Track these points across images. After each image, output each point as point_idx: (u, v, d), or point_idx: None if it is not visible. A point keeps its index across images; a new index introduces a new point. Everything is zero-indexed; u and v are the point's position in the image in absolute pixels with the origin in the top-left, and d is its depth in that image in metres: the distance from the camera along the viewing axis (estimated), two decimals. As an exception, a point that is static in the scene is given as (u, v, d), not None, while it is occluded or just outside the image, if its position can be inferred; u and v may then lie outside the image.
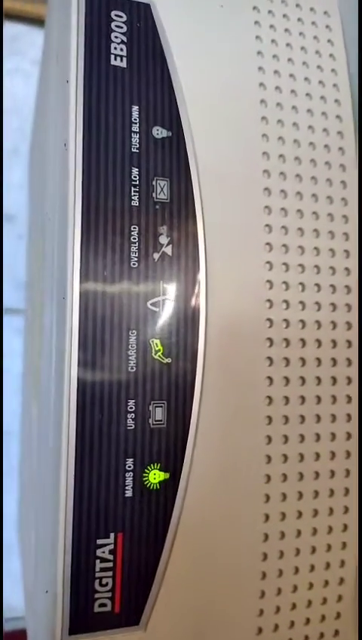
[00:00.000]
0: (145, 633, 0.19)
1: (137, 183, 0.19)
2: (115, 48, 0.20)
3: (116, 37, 0.20)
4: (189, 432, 0.19)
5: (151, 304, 0.19)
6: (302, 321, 0.21)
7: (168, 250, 0.19)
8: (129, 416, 0.19)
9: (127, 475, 0.19)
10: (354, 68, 0.24)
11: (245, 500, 0.20)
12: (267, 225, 0.21)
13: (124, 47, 0.20)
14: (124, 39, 0.20)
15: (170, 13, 0.21)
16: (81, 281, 0.18)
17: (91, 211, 0.19)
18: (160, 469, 0.19)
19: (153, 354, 0.19)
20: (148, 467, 0.19)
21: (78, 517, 0.18)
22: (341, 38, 0.24)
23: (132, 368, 0.19)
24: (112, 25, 0.20)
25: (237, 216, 0.21)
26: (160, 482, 0.19)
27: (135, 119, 0.20)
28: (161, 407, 0.19)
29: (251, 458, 0.20)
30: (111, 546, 0.18)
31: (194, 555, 0.19)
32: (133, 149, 0.19)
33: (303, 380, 0.21)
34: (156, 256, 0.19)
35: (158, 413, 0.19)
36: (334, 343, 0.21)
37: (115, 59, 0.20)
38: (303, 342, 0.21)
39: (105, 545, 0.18)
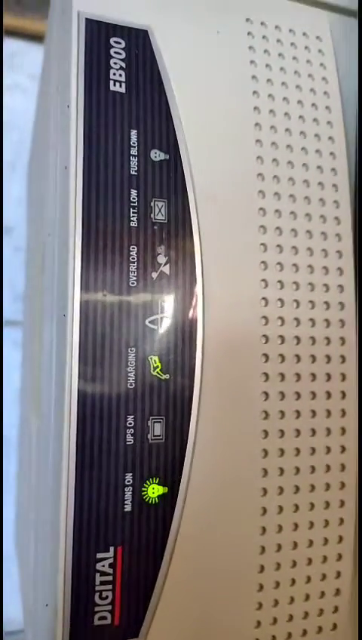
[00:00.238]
0: (145, 646, 0.19)
1: (136, 204, 0.20)
2: (114, 74, 0.20)
3: (115, 63, 0.21)
4: (187, 446, 0.20)
5: (149, 322, 0.20)
6: (296, 337, 0.22)
7: (166, 269, 0.20)
8: (128, 431, 0.19)
9: (126, 489, 0.19)
10: (347, 91, 0.24)
11: (242, 513, 0.20)
12: (262, 244, 0.22)
13: (122, 72, 0.21)
14: (123, 65, 0.21)
15: (167, 39, 0.22)
16: (81, 299, 0.19)
17: (91, 231, 0.19)
18: (158, 484, 0.19)
19: (152, 370, 0.19)
20: (147, 482, 0.19)
21: (78, 531, 0.18)
22: (333, 61, 0.24)
23: (131, 384, 0.19)
24: (111, 51, 0.21)
25: (233, 235, 0.21)
26: (158, 496, 0.19)
27: (134, 143, 0.20)
28: (160, 422, 0.19)
29: (248, 472, 0.21)
30: (111, 560, 0.19)
31: (193, 568, 0.20)
32: (131, 172, 0.20)
33: (298, 394, 0.21)
34: (154, 275, 0.20)
35: (157, 429, 0.19)
36: (328, 358, 0.22)
37: (114, 84, 0.20)
38: (298, 357, 0.22)
39: (104, 559, 0.19)
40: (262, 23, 0.24)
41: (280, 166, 0.22)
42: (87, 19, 0.21)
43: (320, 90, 0.24)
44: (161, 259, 0.20)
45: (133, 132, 0.20)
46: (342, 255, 0.23)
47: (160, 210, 0.20)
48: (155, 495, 0.19)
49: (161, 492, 0.19)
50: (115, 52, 0.21)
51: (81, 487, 0.18)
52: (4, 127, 0.56)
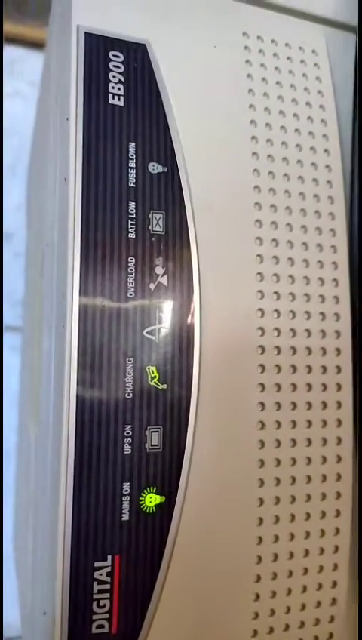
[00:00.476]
0: (142, 654, 0.19)
1: (134, 216, 0.20)
2: (113, 87, 0.21)
3: (114, 76, 0.21)
4: (184, 456, 0.20)
5: (147, 332, 0.20)
6: (293, 347, 0.22)
7: (164, 280, 0.20)
8: (126, 440, 0.19)
9: (123, 498, 0.19)
10: (342, 104, 0.25)
11: (239, 523, 0.21)
12: (258, 255, 0.22)
13: (121, 86, 0.21)
14: (122, 79, 0.21)
15: (165, 53, 0.22)
16: (80, 310, 0.19)
17: (90, 243, 0.19)
18: (156, 493, 0.20)
19: (149, 380, 0.20)
20: (145, 491, 0.19)
21: (76, 540, 0.19)
22: (329, 75, 0.25)
23: (129, 394, 0.19)
24: (110, 65, 0.21)
25: (230, 247, 0.21)
26: (156, 506, 0.19)
27: (132, 155, 0.20)
28: (157, 432, 0.20)
29: (244, 481, 0.21)
30: (109, 569, 0.19)
31: (190, 577, 0.20)
32: (130, 184, 0.20)
33: (294, 405, 0.22)
34: (152, 286, 0.20)
35: (154, 438, 0.20)
36: (324, 368, 0.22)
37: (113, 98, 0.21)
38: (294, 368, 0.22)
39: (102, 567, 0.19)
40: (258, 37, 0.24)
41: (276, 178, 0.23)
42: (86, 33, 0.21)
43: (316, 103, 0.24)
44: (159, 270, 0.20)
45: (132, 145, 0.21)
46: (338, 266, 0.23)
47: (158, 222, 0.20)
48: (153, 504, 0.19)
49: (158, 501, 0.19)
50: (114, 65, 0.21)
51: (79, 495, 0.19)
52: (4, 133, 0.56)
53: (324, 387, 0.22)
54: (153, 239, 0.20)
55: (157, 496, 0.20)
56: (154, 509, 0.19)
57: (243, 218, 0.22)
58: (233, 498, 0.21)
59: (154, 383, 0.20)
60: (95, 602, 0.19)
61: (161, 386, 0.20)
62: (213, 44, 0.23)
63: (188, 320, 0.20)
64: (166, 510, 0.20)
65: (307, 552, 0.21)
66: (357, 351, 0.23)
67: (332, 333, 0.22)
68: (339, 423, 0.22)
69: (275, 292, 0.22)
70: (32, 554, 0.26)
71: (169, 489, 0.20)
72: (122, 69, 0.21)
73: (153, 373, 0.20)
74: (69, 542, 0.18)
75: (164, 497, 0.20)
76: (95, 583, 0.19)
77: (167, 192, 0.21)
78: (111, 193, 0.20)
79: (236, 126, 0.22)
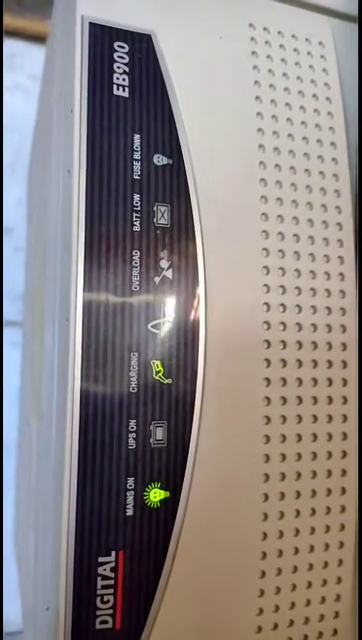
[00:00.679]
0: (146, 650, 0.19)
1: (139, 208, 0.20)
2: (118, 78, 0.20)
3: (118, 67, 0.21)
4: (189, 451, 0.20)
5: (152, 326, 0.20)
6: (298, 342, 0.22)
7: (169, 273, 0.20)
8: (130, 435, 0.19)
9: (128, 493, 0.19)
10: (349, 96, 0.24)
11: (243, 519, 0.20)
12: (264, 249, 0.22)
13: (126, 77, 0.21)
14: (126, 69, 0.21)
15: (171, 44, 0.22)
16: (84, 304, 0.19)
17: (94, 236, 0.19)
18: (160, 488, 0.19)
19: (154, 375, 0.20)
20: (149, 486, 0.19)
21: (80, 535, 0.18)
22: (335, 67, 0.24)
23: (133, 389, 0.19)
24: (115, 55, 0.21)
25: (236, 240, 0.21)
26: (160, 501, 0.19)
27: (137, 147, 0.20)
28: (162, 426, 0.19)
29: (249, 476, 0.21)
30: (113, 564, 0.19)
31: (194, 573, 0.20)
32: (135, 176, 0.20)
33: (300, 399, 0.21)
34: (157, 279, 0.20)
35: (159, 433, 0.19)
36: (330, 363, 0.22)
37: (118, 89, 0.20)
38: (300, 362, 0.22)
39: (106, 563, 0.19)
40: (264, 29, 0.24)
41: (282, 171, 0.22)
42: (90, 23, 0.21)
43: (323, 95, 0.24)
44: (164, 263, 0.20)
45: (137, 136, 0.20)
46: (344, 261, 0.23)
47: (163, 215, 0.20)
48: (157, 499, 0.19)
49: (162, 496, 0.19)
50: (119, 56, 0.21)
51: (83, 490, 0.18)
52: (4, 127, 0.56)
53: (330, 382, 0.22)
54: (158, 232, 0.20)
55: (162, 492, 0.19)
56: (159, 504, 0.19)
57: (248, 211, 0.22)
58: (238, 493, 0.20)
59: (159, 377, 0.20)
60: (99, 598, 0.19)
61: (166, 381, 0.20)
62: (219, 35, 0.23)
63: (193, 314, 0.20)
64: (170, 505, 0.19)
65: (312, 548, 0.21)
66: (363, 346, 0.23)
67: (338, 328, 0.22)
68: (345, 418, 0.22)
69: (281, 286, 0.22)
70: (33, 549, 0.25)
71: (173, 484, 0.19)
72: (127, 60, 0.21)
73: (158, 367, 0.20)
74: (73, 537, 0.18)
75: (168, 492, 0.19)
76: (99, 579, 0.19)
77: (172, 184, 0.20)
78: (116, 185, 0.20)
79: (242, 118, 0.22)
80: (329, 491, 0.22)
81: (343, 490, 0.22)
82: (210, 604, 0.20)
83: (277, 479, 0.21)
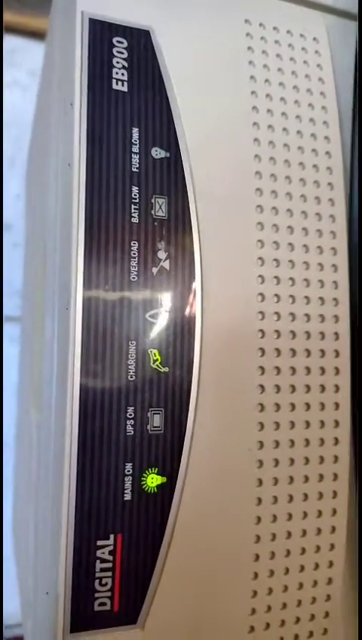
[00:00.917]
0: (143, 631, 0.20)
1: (137, 200, 0.20)
2: (117, 73, 0.21)
3: (118, 62, 0.21)
4: (185, 437, 0.20)
5: (149, 316, 0.20)
6: (292, 331, 0.22)
7: (166, 264, 0.21)
8: (128, 422, 0.20)
9: (126, 479, 0.19)
10: (342, 91, 0.25)
11: (238, 503, 0.21)
12: (259, 240, 0.22)
13: (125, 72, 0.21)
14: (125, 64, 0.21)
15: (168, 39, 0.22)
16: (84, 294, 0.19)
17: (94, 227, 0.20)
18: (157, 474, 0.20)
19: (151, 363, 0.20)
20: (146, 471, 0.20)
21: (80, 519, 0.19)
22: (329, 62, 0.25)
23: (131, 377, 0.20)
24: (114, 50, 0.21)
25: (231, 232, 0.22)
26: (157, 486, 0.20)
27: (135, 140, 0.21)
28: (159, 414, 0.20)
29: (244, 462, 0.21)
30: (111, 547, 0.19)
31: (190, 556, 0.20)
32: (133, 169, 0.20)
33: (293, 387, 0.22)
34: (155, 270, 0.20)
35: (156, 420, 0.20)
36: (322, 352, 0.23)
37: (117, 83, 0.21)
38: (293, 351, 0.22)
39: (105, 546, 0.19)
40: (260, 24, 0.24)
41: (277, 164, 0.23)
42: (90, 19, 0.21)
43: (317, 90, 0.24)
44: (161, 254, 0.20)
45: (135, 130, 0.21)
46: (337, 252, 0.23)
47: (160, 207, 0.21)
48: (154, 485, 0.20)
49: (159, 482, 0.20)
50: (118, 51, 0.21)
51: (82, 476, 0.19)
52: (3, 123, 0.56)
53: (323, 371, 0.23)
54: (156, 224, 0.21)
55: (159, 477, 0.20)
56: (156, 490, 0.20)
57: (244, 203, 0.22)
58: (232, 479, 0.21)
59: (157, 365, 0.20)
60: (97, 580, 0.19)
61: (163, 369, 0.20)
62: (216, 31, 0.23)
63: (190, 304, 0.21)
64: (167, 490, 0.20)
65: (304, 532, 0.22)
66: (357, 336, 0.23)
67: (330, 318, 0.23)
68: (337, 405, 0.23)
69: (275, 277, 0.22)
70: (33, 537, 0.26)
71: (170, 470, 0.20)
72: (126, 55, 0.21)
73: (155, 356, 0.20)
74: (72, 521, 0.19)
75: (165, 478, 0.20)
76: (97, 562, 0.19)
77: (170, 177, 0.21)
78: (115, 178, 0.20)
79: (238, 112, 0.23)
80: (321, 477, 0.22)
81: (335, 476, 0.22)
82: (205, 586, 0.20)
83: (270, 465, 0.21)
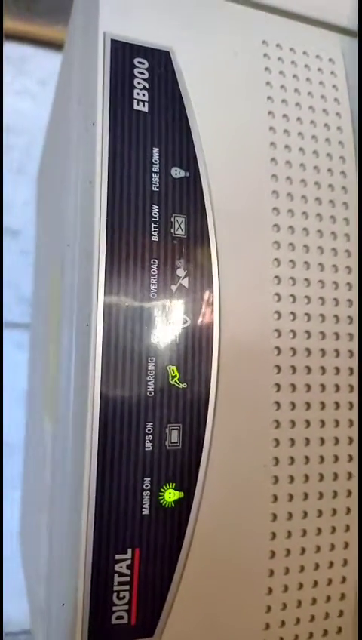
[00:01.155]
0: (159, 645, 0.20)
1: (157, 219, 0.21)
2: (138, 94, 0.21)
3: (139, 83, 0.21)
4: (203, 453, 0.20)
5: (168, 333, 0.20)
6: (307, 349, 0.23)
7: (185, 282, 0.21)
8: (147, 438, 0.20)
9: (144, 493, 0.20)
10: (356, 111, 0.25)
11: (253, 519, 0.21)
12: (276, 259, 0.23)
13: (146, 92, 0.21)
14: (146, 85, 0.22)
15: (188, 60, 0.22)
16: (104, 310, 0.20)
17: (114, 245, 0.20)
18: (175, 489, 0.20)
19: (170, 379, 0.20)
20: (164, 486, 0.20)
21: (98, 533, 0.19)
22: (345, 83, 0.25)
23: (150, 393, 0.20)
24: (135, 71, 0.22)
25: (248, 251, 0.22)
26: (175, 501, 0.20)
27: (155, 160, 0.21)
28: (177, 429, 0.20)
29: (259, 478, 0.21)
30: (129, 561, 0.19)
31: (206, 571, 0.20)
32: (153, 188, 0.21)
33: (308, 405, 0.22)
34: (174, 287, 0.21)
35: (174, 436, 0.20)
36: (337, 369, 0.23)
37: (138, 104, 0.21)
38: (308, 369, 0.22)
39: (123, 560, 0.19)
40: (277, 45, 0.24)
41: (293, 184, 0.23)
42: (112, 39, 0.21)
43: (332, 111, 0.25)
44: (180, 272, 0.21)
45: (155, 150, 0.21)
46: (351, 271, 0.24)
47: (180, 226, 0.21)
48: (172, 499, 0.20)
49: (177, 497, 0.20)
50: (139, 72, 0.22)
51: (101, 490, 0.19)
52: (12, 131, 0.57)
53: (337, 388, 0.23)
54: (175, 242, 0.21)
55: (176, 492, 0.20)
56: (173, 504, 0.20)
57: (261, 222, 0.22)
58: (248, 495, 0.21)
59: (175, 382, 0.20)
60: (115, 594, 0.19)
61: (181, 385, 0.20)
62: (234, 52, 0.23)
63: (208, 321, 0.21)
64: (184, 505, 0.20)
65: (318, 548, 0.22)
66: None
67: (345, 336, 0.23)
68: (351, 423, 0.23)
69: (291, 295, 0.23)
70: (47, 546, 0.26)
71: (188, 485, 0.20)
72: (147, 76, 0.22)
73: (174, 372, 0.20)
74: (91, 535, 0.19)
75: (182, 493, 0.20)
76: (115, 575, 0.19)
77: (189, 196, 0.21)
78: (136, 197, 0.21)
79: (255, 132, 0.23)
80: (335, 493, 0.22)
81: (349, 493, 0.23)
82: (220, 600, 0.21)
83: (286, 481, 0.22)
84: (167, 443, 0.20)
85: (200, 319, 0.21)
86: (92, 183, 0.20)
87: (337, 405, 0.23)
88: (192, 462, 0.20)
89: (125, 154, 0.21)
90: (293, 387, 0.22)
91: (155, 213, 0.21)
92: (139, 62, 0.22)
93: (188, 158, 0.22)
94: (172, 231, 0.21)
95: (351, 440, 0.23)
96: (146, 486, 0.20)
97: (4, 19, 0.55)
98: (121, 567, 0.19)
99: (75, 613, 0.19)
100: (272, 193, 0.23)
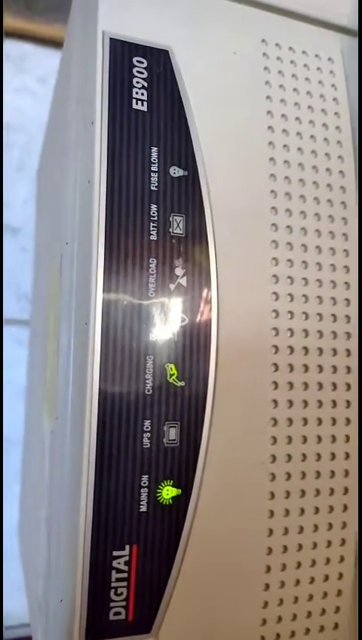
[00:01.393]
0: (156, 640, 0.20)
1: (156, 218, 0.21)
2: (137, 93, 0.21)
3: (138, 82, 0.21)
4: (200, 450, 0.21)
5: (166, 331, 0.21)
6: (305, 347, 0.23)
7: (183, 281, 0.21)
8: (145, 435, 0.20)
9: (142, 490, 0.20)
10: (356, 111, 0.25)
11: (250, 515, 0.21)
12: (274, 258, 0.23)
13: (144, 91, 0.21)
14: (145, 84, 0.22)
15: (187, 59, 0.23)
16: (103, 309, 0.20)
17: (113, 244, 0.20)
18: (172, 486, 0.20)
19: (168, 377, 0.20)
20: (162, 483, 0.20)
21: (96, 530, 0.19)
22: (344, 83, 0.25)
23: (148, 391, 0.20)
24: (134, 70, 0.22)
25: (247, 249, 0.22)
26: (172, 498, 0.20)
27: (154, 159, 0.21)
28: (175, 427, 0.20)
29: (256, 475, 0.22)
30: (126, 558, 0.20)
31: (204, 567, 0.21)
32: (152, 187, 0.21)
33: (305, 402, 0.22)
34: (172, 286, 0.21)
35: (172, 433, 0.20)
36: (334, 368, 0.23)
37: (137, 103, 0.21)
38: (306, 367, 0.23)
39: (120, 556, 0.20)
40: (276, 44, 0.25)
41: (291, 183, 0.23)
42: (111, 38, 0.22)
43: (331, 110, 0.25)
44: (179, 271, 0.21)
45: (154, 149, 0.21)
46: (350, 270, 0.24)
47: (178, 225, 0.21)
48: (169, 496, 0.20)
49: (174, 494, 0.20)
50: (138, 71, 0.22)
51: (99, 487, 0.19)
52: (12, 129, 0.57)
53: (334, 386, 0.23)
54: (173, 241, 0.21)
55: (174, 489, 0.20)
56: (171, 501, 0.20)
57: (259, 222, 0.22)
58: (245, 492, 0.21)
59: (173, 380, 0.20)
60: (112, 590, 0.20)
61: (179, 383, 0.21)
62: (233, 51, 0.23)
63: (206, 319, 0.21)
64: (182, 502, 0.20)
65: (315, 545, 0.22)
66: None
67: (342, 335, 0.23)
68: (348, 421, 0.23)
69: (289, 294, 0.23)
70: (45, 542, 0.26)
71: (185, 482, 0.20)
72: (145, 75, 0.22)
73: (172, 370, 0.20)
74: (89, 531, 0.19)
75: (180, 490, 0.20)
76: (113, 572, 0.20)
77: (188, 195, 0.21)
78: (134, 196, 0.21)
79: (254, 132, 0.23)
80: (332, 490, 0.23)
81: (345, 490, 0.23)
82: (218, 597, 0.21)
83: (283, 478, 0.22)
84: (164, 440, 0.20)
85: (198, 318, 0.21)
86: (91, 182, 0.21)
87: (334, 403, 0.23)
88: (190, 459, 0.21)
89: (124, 153, 0.21)
90: (291, 385, 0.22)
91: (154, 212, 0.21)
92: (138, 61, 0.22)
93: (187, 158, 0.22)
94: (170, 230, 0.21)
95: (347, 438, 0.23)
96: (144, 483, 0.20)
97: (4, 17, 0.55)
98: (119, 563, 0.20)
99: (72, 609, 0.19)
100: (271, 192, 0.23)
